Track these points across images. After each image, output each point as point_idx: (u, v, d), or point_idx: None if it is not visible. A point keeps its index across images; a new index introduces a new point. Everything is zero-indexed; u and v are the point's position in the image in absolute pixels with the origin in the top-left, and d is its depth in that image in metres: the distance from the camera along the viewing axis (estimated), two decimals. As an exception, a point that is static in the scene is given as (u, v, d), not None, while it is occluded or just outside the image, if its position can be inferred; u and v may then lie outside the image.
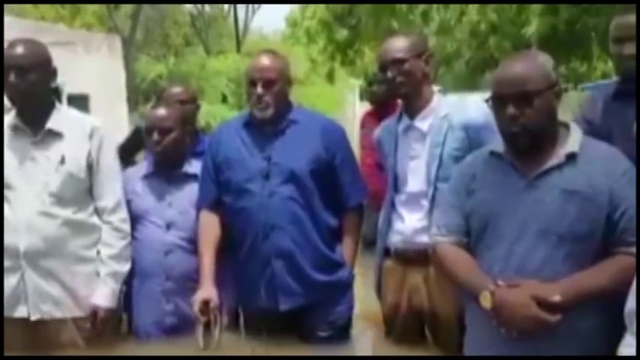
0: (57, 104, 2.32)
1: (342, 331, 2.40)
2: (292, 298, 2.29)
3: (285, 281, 2.28)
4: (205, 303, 2.25)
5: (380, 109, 3.86)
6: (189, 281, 2.37)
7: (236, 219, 2.34)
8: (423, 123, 2.25)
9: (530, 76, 1.67)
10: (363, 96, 4.07)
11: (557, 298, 1.57)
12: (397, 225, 2.29)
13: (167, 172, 2.47)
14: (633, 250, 1.61)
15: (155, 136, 2.40)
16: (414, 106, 2.26)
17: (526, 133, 1.68)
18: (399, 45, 2.20)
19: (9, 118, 2.29)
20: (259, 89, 2.28)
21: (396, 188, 2.30)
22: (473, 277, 1.72)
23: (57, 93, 2.37)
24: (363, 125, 3.93)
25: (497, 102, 1.71)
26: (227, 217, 2.37)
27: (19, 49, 2.19)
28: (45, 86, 2.25)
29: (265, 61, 2.32)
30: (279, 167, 2.29)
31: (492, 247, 1.72)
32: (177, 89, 2.95)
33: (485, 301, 1.64)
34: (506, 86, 1.68)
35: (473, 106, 2.19)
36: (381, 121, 3.61)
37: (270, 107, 2.29)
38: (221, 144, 2.40)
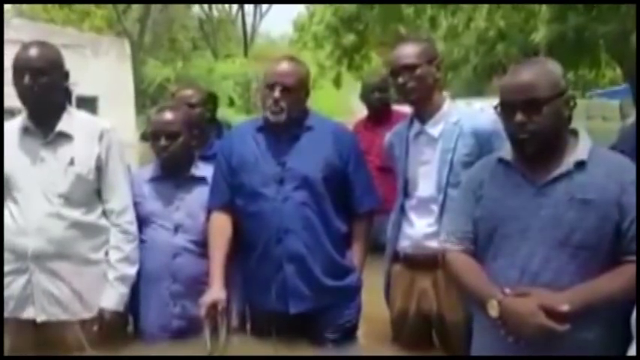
0: (67, 106, 2.33)
1: (350, 335, 2.41)
2: (302, 302, 2.30)
3: (296, 285, 2.29)
4: (213, 305, 2.25)
5: (375, 117, 3.86)
6: (197, 284, 2.37)
7: (249, 222, 2.35)
8: (434, 128, 2.25)
9: (539, 83, 1.66)
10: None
11: (565, 307, 1.55)
12: (407, 230, 2.29)
13: (174, 176, 2.46)
14: None
15: (162, 141, 2.39)
16: (425, 112, 2.26)
17: (534, 140, 1.67)
18: (410, 51, 2.21)
19: (20, 119, 2.29)
20: (276, 93, 2.29)
21: (406, 193, 2.30)
22: (480, 285, 1.71)
23: (67, 95, 2.38)
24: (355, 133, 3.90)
25: (506, 109, 1.70)
26: (239, 220, 2.38)
27: (34, 52, 2.20)
28: (57, 89, 2.26)
29: (286, 66, 2.34)
30: (293, 173, 2.30)
31: (499, 255, 1.72)
32: (187, 92, 2.95)
33: (493, 309, 1.63)
34: (515, 93, 1.68)
35: (484, 113, 2.19)
36: (377, 129, 3.67)
37: (284, 112, 2.30)
38: (235, 147, 2.41)
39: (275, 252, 2.29)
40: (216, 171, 2.44)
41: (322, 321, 2.35)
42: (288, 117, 2.31)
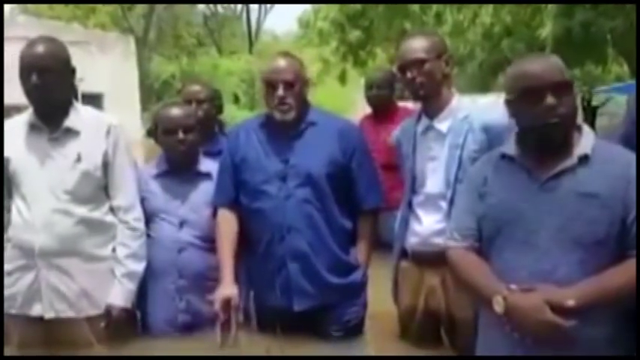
0: (74, 102, 2.32)
1: (355, 331, 2.40)
2: (307, 300, 2.30)
3: (299, 283, 2.29)
4: (226, 301, 2.25)
5: (378, 114, 3.87)
6: (203, 279, 2.38)
7: (252, 220, 2.34)
8: (442, 124, 2.23)
9: (561, 68, 1.67)
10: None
11: (571, 302, 1.54)
12: (414, 226, 2.27)
13: (180, 171, 2.47)
14: None
15: (180, 134, 2.40)
16: (433, 107, 2.24)
17: (563, 124, 1.65)
18: (419, 45, 2.18)
19: (26, 115, 2.29)
20: (280, 91, 2.27)
21: (414, 189, 2.28)
22: (485, 281, 1.70)
23: (74, 91, 2.37)
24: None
25: (532, 95, 1.65)
26: (243, 218, 2.38)
27: (40, 49, 2.18)
28: (64, 86, 2.25)
29: (283, 62, 2.32)
30: (296, 170, 2.28)
31: (505, 251, 1.70)
32: (194, 88, 2.95)
33: (498, 305, 1.61)
34: (544, 76, 1.65)
35: (494, 108, 2.17)
36: (380, 126, 3.68)
37: (293, 109, 2.29)
38: (239, 144, 2.40)
39: (278, 250, 2.28)
40: (220, 168, 2.44)
41: (327, 318, 2.34)
42: (296, 113, 2.30)
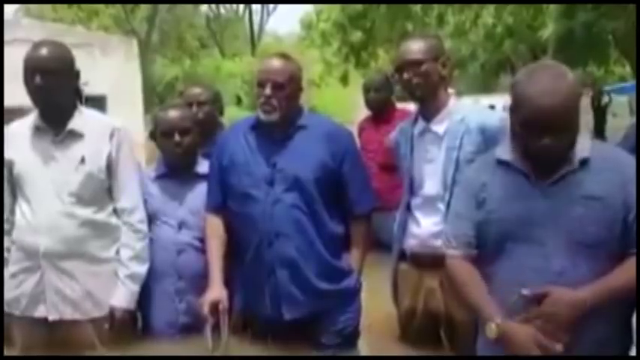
0: (78, 105, 2.33)
1: (350, 341, 2.34)
2: (296, 308, 2.25)
3: (289, 290, 2.23)
4: (214, 304, 2.24)
5: (376, 116, 3.89)
6: (202, 280, 2.36)
7: (240, 225, 2.30)
8: (439, 126, 2.24)
9: None
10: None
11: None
12: (413, 228, 2.28)
13: (179, 173, 2.48)
14: None
15: (176, 137, 2.40)
16: (430, 109, 2.25)
17: None
18: (416, 47, 2.20)
19: (31, 118, 2.31)
20: (267, 91, 2.22)
21: (412, 191, 2.29)
22: (481, 302, 1.70)
23: (78, 94, 2.39)
24: (360, 132, 3.97)
25: None
26: (231, 222, 2.34)
27: (44, 52, 2.20)
28: (68, 88, 2.27)
29: (276, 63, 2.27)
30: (283, 174, 2.23)
31: (512, 257, 1.69)
32: (195, 90, 2.95)
33: (491, 332, 1.64)
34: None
35: (490, 110, 2.18)
36: (379, 127, 3.71)
37: (277, 111, 2.23)
38: (227, 147, 2.36)
39: (266, 256, 2.23)
40: (210, 172, 2.41)
41: (320, 327, 2.29)
42: (281, 116, 2.24)
